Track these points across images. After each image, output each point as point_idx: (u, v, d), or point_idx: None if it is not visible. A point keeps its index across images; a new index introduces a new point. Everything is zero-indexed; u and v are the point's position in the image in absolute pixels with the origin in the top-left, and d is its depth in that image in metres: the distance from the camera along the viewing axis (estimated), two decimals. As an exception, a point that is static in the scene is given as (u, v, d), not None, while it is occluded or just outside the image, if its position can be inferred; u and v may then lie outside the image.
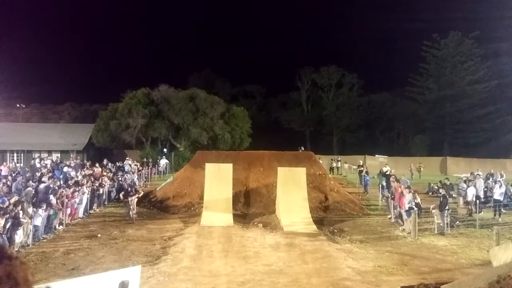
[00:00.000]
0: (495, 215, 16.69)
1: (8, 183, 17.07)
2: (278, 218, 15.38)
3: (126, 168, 25.87)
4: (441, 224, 14.13)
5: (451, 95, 45.90)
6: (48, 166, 24.37)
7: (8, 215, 10.89)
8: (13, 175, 19.94)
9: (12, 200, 12.01)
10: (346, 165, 34.63)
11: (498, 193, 17.19)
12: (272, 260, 10.63)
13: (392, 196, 16.36)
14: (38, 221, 12.47)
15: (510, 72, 42.08)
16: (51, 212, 13.31)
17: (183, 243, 12.04)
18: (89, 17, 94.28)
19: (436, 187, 20.63)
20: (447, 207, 14.50)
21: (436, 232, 14.04)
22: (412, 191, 14.89)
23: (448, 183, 19.11)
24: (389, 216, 16.37)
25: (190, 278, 9.23)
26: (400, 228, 14.60)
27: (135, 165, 27.62)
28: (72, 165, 24.26)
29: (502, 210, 16.85)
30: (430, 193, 21.33)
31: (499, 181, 19.47)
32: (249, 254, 11.15)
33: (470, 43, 45.51)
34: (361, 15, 72.51)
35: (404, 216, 14.48)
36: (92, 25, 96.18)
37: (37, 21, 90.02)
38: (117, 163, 28.03)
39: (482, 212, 16.65)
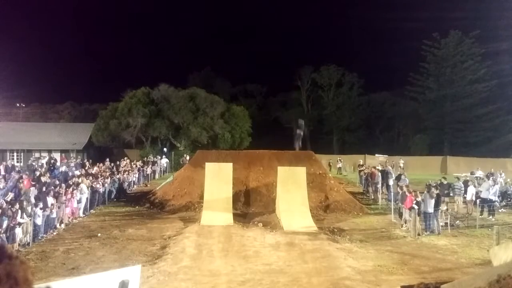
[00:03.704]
0: (488, 215, 16.69)
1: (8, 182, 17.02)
2: (278, 217, 15.39)
3: (126, 167, 25.85)
4: (428, 224, 14.06)
5: (451, 94, 45.91)
6: (44, 165, 24.34)
7: (4, 214, 10.89)
8: (12, 174, 19.91)
9: (8, 199, 11.96)
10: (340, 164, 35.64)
11: (491, 192, 17.23)
12: (272, 260, 10.63)
13: (397, 198, 16.28)
14: (38, 220, 12.47)
15: (510, 71, 42.07)
16: (49, 211, 13.31)
17: (183, 243, 12.04)
18: (89, 17, 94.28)
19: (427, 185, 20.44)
20: (439, 207, 14.47)
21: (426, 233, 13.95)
22: (412, 190, 14.88)
23: (445, 182, 19.07)
24: (401, 224, 15.19)
25: (190, 277, 9.23)
26: (404, 227, 14.54)
27: (134, 165, 27.60)
28: (72, 164, 24.24)
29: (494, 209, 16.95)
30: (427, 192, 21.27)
31: (492, 179, 19.40)
32: (249, 254, 11.15)
33: (470, 42, 45.48)
34: (361, 15, 72.47)
35: (408, 216, 14.44)
36: (92, 25, 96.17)
37: (37, 21, 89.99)
38: (117, 162, 28.03)
39: (491, 217, 16.56)
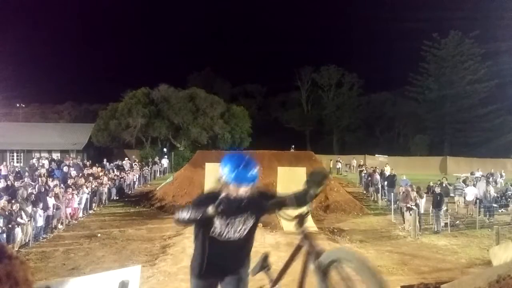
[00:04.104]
0: (489, 215, 16.65)
1: (9, 182, 17.01)
2: (278, 217, 15.36)
3: (126, 167, 25.87)
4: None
5: (451, 94, 45.93)
6: (46, 165, 24.34)
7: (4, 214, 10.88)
8: (13, 175, 19.92)
9: (4, 199, 11.91)
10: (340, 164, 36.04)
11: (489, 192, 17.21)
12: (272, 260, 10.54)
13: (397, 198, 16.31)
14: (39, 220, 12.47)
15: (510, 71, 42.08)
16: (51, 212, 13.31)
17: (183, 243, 12.02)
18: (89, 17, 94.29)
19: (431, 185, 20.49)
20: (441, 206, 14.49)
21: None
22: (416, 190, 14.90)
23: (445, 182, 19.04)
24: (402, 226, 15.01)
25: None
26: (400, 227, 14.56)
27: (135, 164, 27.61)
28: (72, 164, 24.25)
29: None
30: (430, 193, 21.25)
31: (492, 179, 19.36)
32: (249, 254, 11.13)
33: (470, 42, 45.51)
34: (361, 15, 72.48)
35: (407, 216, 14.45)
36: (92, 25, 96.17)
37: (37, 20, 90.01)
38: (118, 161, 28.04)
39: (491, 217, 16.50)
